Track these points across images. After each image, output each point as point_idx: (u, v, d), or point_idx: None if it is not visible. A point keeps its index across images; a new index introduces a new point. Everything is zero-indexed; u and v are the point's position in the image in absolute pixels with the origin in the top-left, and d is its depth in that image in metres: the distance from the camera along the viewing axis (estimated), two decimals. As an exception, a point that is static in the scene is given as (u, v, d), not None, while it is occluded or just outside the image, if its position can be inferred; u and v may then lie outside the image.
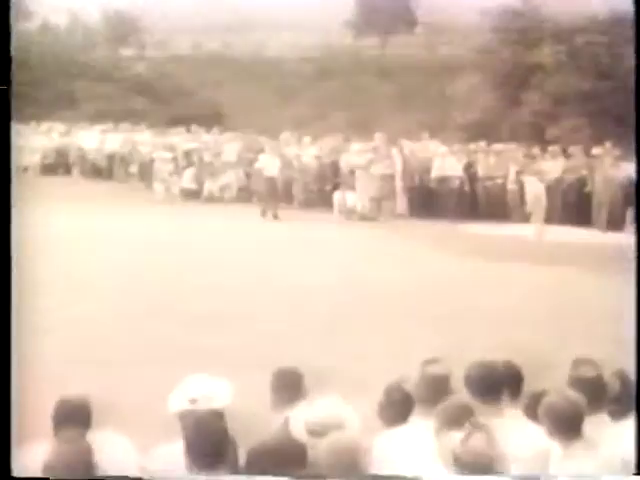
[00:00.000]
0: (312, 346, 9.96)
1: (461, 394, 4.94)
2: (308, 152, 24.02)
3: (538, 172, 20.08)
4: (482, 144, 23.75)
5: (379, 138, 23.75)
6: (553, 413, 4.62)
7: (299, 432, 4.36)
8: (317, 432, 4.36)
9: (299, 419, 4.42)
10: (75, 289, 12.71)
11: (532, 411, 4.88)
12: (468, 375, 5.12)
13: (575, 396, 4.67)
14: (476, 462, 3.83)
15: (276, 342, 10.08)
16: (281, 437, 4.51)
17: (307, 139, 25.24)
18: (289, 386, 5.38)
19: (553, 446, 4.60)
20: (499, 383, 5.09)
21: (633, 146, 6.59)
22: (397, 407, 5.08)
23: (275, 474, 4.13)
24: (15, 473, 4.22)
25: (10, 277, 4.71)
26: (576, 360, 5.14)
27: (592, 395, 4.83)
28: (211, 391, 4.82)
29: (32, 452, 4.21)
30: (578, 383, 4.94)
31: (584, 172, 21.23)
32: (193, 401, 4.75)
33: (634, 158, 10.72)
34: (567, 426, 4.58)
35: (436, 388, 5.04)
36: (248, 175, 24.41)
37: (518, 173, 21.22)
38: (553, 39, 33.46)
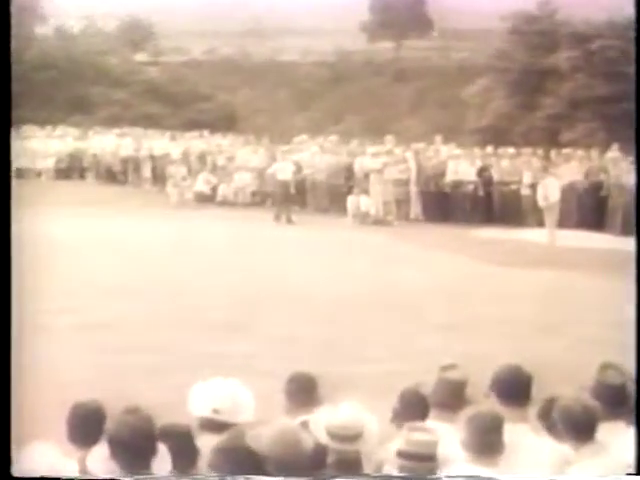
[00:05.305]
0: (327, 350, 9.94)
1: (486, 402, 4.89)
2: (322, 156, 23.98)
3: (553, 176, 19.98)
4: (497, 148, 23.71)
5: (393, 142, 23.76)
6: (566, 417, 4.59)
7: (319, 435, 4.34)
8: (338, 436, 4.35)
9: (319, 423, 4.41)
10: (88, 293, 12.71)
11: (546, 416, 4.85)
12: (497, 379, 5.06)
13: (589, 401, 4.64)
14: (419, 454, 3.82)
15: (290, 346, 10.05)
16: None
17: (321, 143, 25.22)
18: (303, 391, 5.35)
19: (567, 450, 4.58)
20: (527, 387, 5.04)
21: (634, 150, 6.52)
22: (413, 411, 5.05)
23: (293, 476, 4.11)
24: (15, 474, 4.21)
25: (9, 282, 4.67)
26: (603, 364, 5.08)
27: (614, 401, 4.79)
28: (236, 404, 4.74)
29: (33, 454, 4.19)
30: (602, 388, 4.89)
31: (599, 176, 21.15)
32: (216, 412, 4.68)
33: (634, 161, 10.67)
34: (580, 430, 4.55)
35: (453, 393, 5.03)
36: (262, 179, 24.39)
37: (532, 177, 21.13)
38: (569, 43, 33.41)
